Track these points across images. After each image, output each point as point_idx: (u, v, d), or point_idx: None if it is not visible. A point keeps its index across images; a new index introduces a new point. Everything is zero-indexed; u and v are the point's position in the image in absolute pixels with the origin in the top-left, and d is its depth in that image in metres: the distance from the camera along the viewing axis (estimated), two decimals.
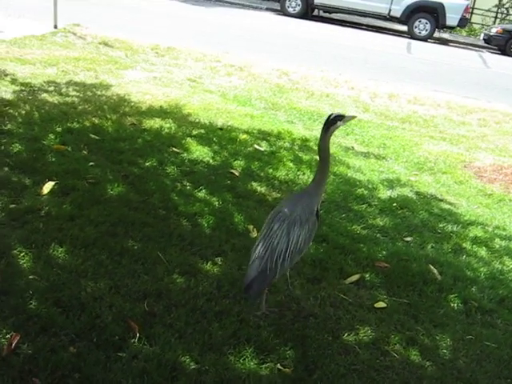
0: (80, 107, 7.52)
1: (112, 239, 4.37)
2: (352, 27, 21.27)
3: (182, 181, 5.62)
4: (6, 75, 8.54)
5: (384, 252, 4.81)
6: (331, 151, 3.77)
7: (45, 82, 8.46)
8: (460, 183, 6.88)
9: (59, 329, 3.39)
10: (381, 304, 4.07)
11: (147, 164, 5.89)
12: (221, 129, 7.32)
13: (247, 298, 3.58)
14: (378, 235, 5.15)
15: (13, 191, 4.91)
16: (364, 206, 5.73)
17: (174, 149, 6.40)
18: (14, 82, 8.23)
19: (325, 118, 3.48)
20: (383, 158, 7.31)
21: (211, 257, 4.34)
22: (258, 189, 5.72)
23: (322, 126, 3.46)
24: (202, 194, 5.37)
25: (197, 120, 7.61)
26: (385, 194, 6.11)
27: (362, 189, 6.11)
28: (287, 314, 3.84)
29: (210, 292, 3.90)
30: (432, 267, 4.65)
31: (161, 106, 7.95)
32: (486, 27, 25.33)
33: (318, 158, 3.66)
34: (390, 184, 6.40)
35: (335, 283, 4.25)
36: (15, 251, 4.08)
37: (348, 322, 3.86)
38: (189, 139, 6.77)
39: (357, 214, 5.50)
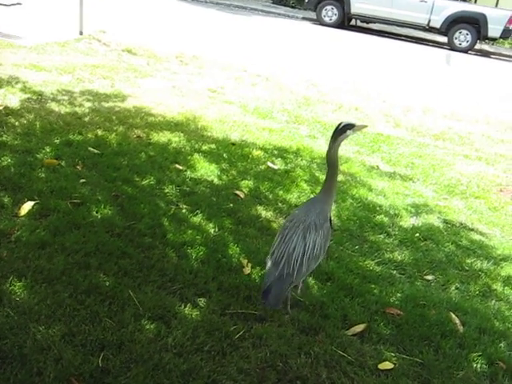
0: (86, 118, 7.02)
1: (81, 272, 3.80)
2: (390, 38, 20.48)
3: (179, 203, 5.04)
4: (17, 82, 8.10)
5: (398, 294, 4.13)
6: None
7: (56, 91, 8.00)
8: (494, 210, 6.13)
9: None
10: (387, 365, 3.39)
11: (144, 183, 5.33)
12: (233, 144, 6.72)
13: (266, 304, 3.42)
14: (394, 272, 4.48)
15: None
16: (382, 236, 5.05)
17: (177, 166, 5.82)
18: (24, 89, 7.80)
19: None
20: (410, 179, 6.61)
21: (192, 297, 3.73)
22: (263, 214, 5.09)
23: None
24: (197, 218, 4.77)
25: (209, 134, 7.04)
26: (408, 221, 5.42)
27: (382, 215, 5.43)
28: (270, 376, 3.19)
29: (181, 344, 3.29)
30: (454, 315, 3.96)
31: (173, 118, 7.39)
32: None
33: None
34: (416, 210, 5.71)
35: (335, 335, 3.59)
36: None
37: None
38: (196, 155, 6.18)
39: (372, 246, 4.82)
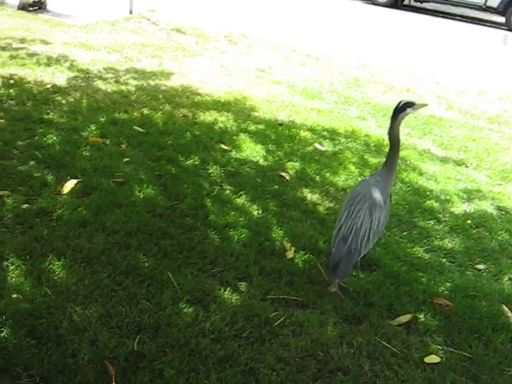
0: (133, 96, 6.97)
1: (121, 253, 3.73)
2: (445, 18, 19.85)
3: (223, 183, 4.93)
4: (66, 61, 8.09)
5: (448, 284, 3.94)
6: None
7: (104, 69, 7.97)
8: None
9: (23, 367, 2.74)
10: (433, 358, 3.23)
11: (188, 162, 5.24)
12: (280, 124, 6.56)
13: (334, 277, 3.56)
14: (444, 261, 4.29)
15: (31, 189, 4.39)
16: (432, 222, 4.85)
17: (222, 146, 5.71)
18: (71, 67, 7.79)
19: None
20: (463, 163, 6.36)
21: (232, 281, 3.63)
22: (309, 196, 4.94)
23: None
24: (240, 200, 4.65)
25: (256, 113, 6.90)
26: (459, 207, 5.20)
27: (433, 201, 5.22)
28: (310, 366, 3.06)
29: (219, 329, 3.19)
30: (506, 308, 3.76)
31: (220, 97, 7.27)
32: None
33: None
34: (468, 195, 5.48)
35: (379, 324, 3.44)
36: (6, 262, 3.48)
37: (386, 381, 3.02)
38: (242, 135, 6.06)
39: (421, 233, 4.64)
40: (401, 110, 3.46)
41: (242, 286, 3.62)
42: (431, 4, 20.26)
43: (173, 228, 4.13)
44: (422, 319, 3.56)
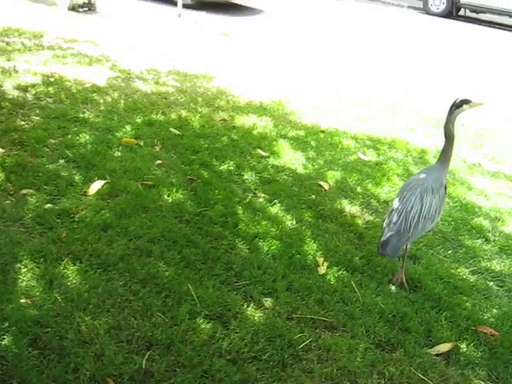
0: (172, 98, 6.78)
1: (141, 260, 3.50)
2: (501, 29, 19.20)
3: (257, 191, 4.67)
4: (108, 61, 8.00)
5: (494, 311, 3.59)
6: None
7: (146, 70, 7.80)
8: None
9: (19, 380, 2.51)
10: None
11: (222, 167, 4.99)
12: (322, 131, 6.26)
13: (384, 255, 3.59)
14: (491, 284, 3.93)
15: (56, 188, 4.22)
16: (479, 241, 4.49)
17: (260, 151, 5.45)
18: (113, 67, 7.71)
19: None
20: None
21: (257, 296, 3.35)
22: (348, 208, 4.64)
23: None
24: (274, 209, 4.38)
25: (298, 119, 6.62)
26: (510, 226, 4.80)
27: (482, 218, 4.85)
28: None
29: (237, 349, 2.91)
30: None
31: (261, 102, 7.00)
32: None
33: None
34: None
35: (415, 353, 3.11)
36: (19, 265, 3.28)
37: None
38: (281, 141, 5.79)
39: (468, 252, 4.28)
40: (458, 105, 3.56)
41: (268, 302, 3.34)
42: (487, 15, 19.63)
43: (199, 236, 3.88)
44: (464, 349, 3.22)
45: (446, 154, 3.72)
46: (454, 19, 18.51)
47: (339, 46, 11.54)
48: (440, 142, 3.80)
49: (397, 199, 3.62)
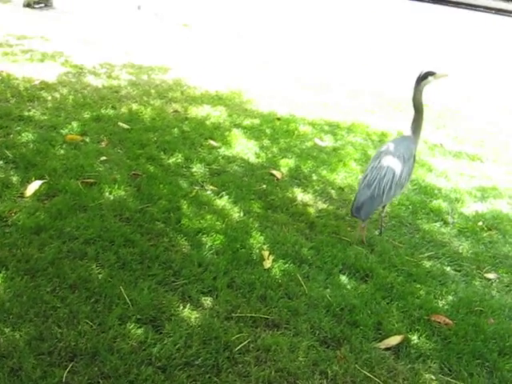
0: (124, 91, 6.54)
1: (73, 263, 3.28)
2: (468, 9, 18.98)
3: (205, 183, 4.44)
4: (61, 57, 7.73)
5: (450, 297, 3.40)
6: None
7: (99, 64, 7.52)
8: None
9: None
10: None
11: (170, 161, 4.77)
12: (279, 119, 6.04)
13: (358, 218, 3.80)
14: (448, 269, 3.75)
15: None
16: (438, 224, 4.32)
17: (211, 142, 5.24)
18: (65, 63, 7.46)
19: None
20: (478, 158, 5.74)
21: (195, 296, 3.14)
22: (300, 197, 4.43)
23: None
24: (221, 202, 4.16)
25: (255, 108, 6.40)
26: (471, 207, 4.62)
27: (441, 200, 4.67)
28: None
29: (168, 355, 2.69)
30: None
31: (217, 91, 6.75)
32: None
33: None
34: (482, 194, 4.93)
35: (362, 348, 2.90)
36: None
37: None
38: (234, 131, 5.57)
39: (424, 237, 4.10)
40: (423, 77, 3.77)
41: (206, 301, 3.13)
42: None
43: (138, 234, 3.65)
44: (415, 341, 3.02)
45: (416, 124, 3.91)
46: (422, 1, 18.28)
47: (301, 32, 11.28)
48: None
49: (371, 164, 3.81)
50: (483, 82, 9.26)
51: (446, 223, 4.34)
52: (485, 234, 4.26)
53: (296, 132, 5.76)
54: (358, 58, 9.76)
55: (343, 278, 3.47)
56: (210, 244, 3.63)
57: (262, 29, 11.20)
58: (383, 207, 4.00)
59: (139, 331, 2.83)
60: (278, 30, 11.30)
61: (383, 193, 3.66)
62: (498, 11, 19.02)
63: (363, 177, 3.82)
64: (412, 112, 3.99)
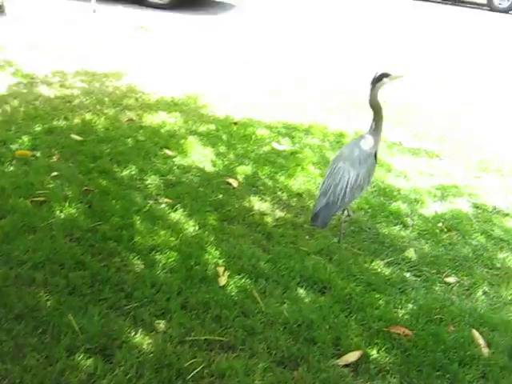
0: (77, 101, 6.36)
1: (21, 291, 3.13)
2: (432, 2, 19.09)
3: (159, 196, 4.33)
4: (11, 66, 7.47)
5: (410, 306, 3.34)
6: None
7: (52, 73, 7.30)
8: None
9: None
10: None
11: (124, 173, 4.65)
12: (235, 123, 5.93)
13: (315, 226, 3.82)
14: (408, 275, 3.69)
15: None
16: (397, 227, 4.26)
17: (166, 151, 5.12)
18: (16, 73, 7.18)
19: None
20: (437, 155, 5.71)
21: (148, 319, 3.03)
22: (257, 206, 4.35)
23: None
24: (176, 215, 4.06)
25: (211, 113, 6.28)
26: (430, 208, 4.59)
27: (400, 202, 4.62)
28: None
29: None
30: (477, 334, 3.16)
31: (173, 97, 6.62)
32: None
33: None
34: (441, 193, 4.89)
35: (321, 367, 2.83)
36: None
37: None
38: (190, 138, 5.46)
39: (384, 242, 4.04)
40: (378, 79, 3.74)
41: (160, 325, 3.02)
42: None
43: (89, 255, 3.53)
44: (374, 356, 2.95)
45: (375, 122, 3.91)
46: None
47: (259, 34, 11.13)
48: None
49: (328, 171, 3.83)
50: (446, 75, 9.25)
51: (405, 226, 4.30)
52: (444, 236, 4.22)
53: (253, 136, 5.67)
54: (315, 58, 9.67)
55: (301, 292, 3.39)
56: (163, 262, 3.53)
57: (220, 30, 11.02)
58: (343, 211, 4.00)
59: (88, 362, 2.72)
60: (234, 31, 11.14)
61: (338, 199, 3.66)
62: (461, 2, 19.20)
63: (321, 183, 3.85)
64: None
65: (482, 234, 4.29)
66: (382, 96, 3.92)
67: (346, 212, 4.07)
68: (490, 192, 5.04)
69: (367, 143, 3.88)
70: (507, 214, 4.66)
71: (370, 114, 3.97)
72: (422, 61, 10.13)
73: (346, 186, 3.67)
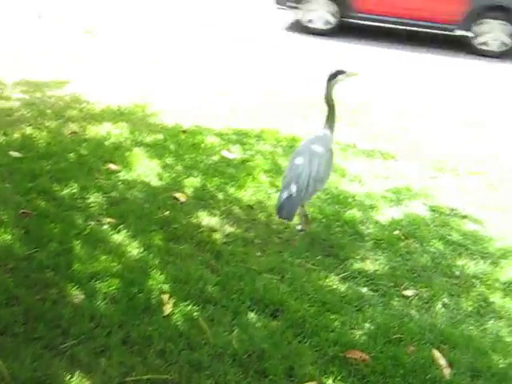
0: (17, 114, 6.06)
1: None
2: None
3: (101, 216, 4.08)
4: None
5: (366, 326, 3.17)
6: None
7: None
8: (492, 188, 5.08)
9: None
10: None
11: (64, 192, 4.39)
12: (184, 131, 5.70)
13: (282, 218, 3.84)
14: (364, 290, 3.52)
15: None
16: (352, 237, 4.06)
17: (111, 166, 4.87)
18: None
19: None
20: (392, 156, 5.56)
21: (86, 358, 2.80)
22: (206, 221, 4.14)
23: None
24: (119, 237, 3.82)
25: (159, 121, 6.04)
26: (386, 214, 4.43)
27: (355, 209, 4.44)
28: None
29: None
30: (438, 353, 2.99)
31: (119, 106, 6.35)
32: None
33: None
34: (397, 196, 4.74)
35: None
36: None
37: None
38: (136, 150, 5.21)
39: (339, 254, 3.86)
40: (333, 76, 3.86)
41: (98, 364, 2.78)
42: None
43: (23, 288, 3.28)
44: None
45: (329, 120, 4.01)
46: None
47: (212, 39, 10.80)
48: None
49: (289, 165, 3.92)
50: (397, 74, 9.13)
51: (361, 235, 4.12)
52: (402, 244, 4.06)
53: (202, 145, 5.46)
54: (266, 60, 9.46)
55: (251, 316, 3.20)
56: (104, 291, 3.30)
57: (170, 33, 10.73)
58: (302, 206, 4.04)
59: None
60: (186, 37, 10.85)
61: (302, 190, 3.72)
62: None
63: (284, 176, 3.95)
64: (325, 110, 4.07)
65: (439, 240, 4.14)
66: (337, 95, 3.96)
67: (304, 207, 4.12)
68: (447, 192, 4.91)
69: (324, 138, 4.00)
70: (465, 216, 4.53)
71: (324, 112, 4.05)
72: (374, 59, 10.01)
73: (309, 177, 3.73)
